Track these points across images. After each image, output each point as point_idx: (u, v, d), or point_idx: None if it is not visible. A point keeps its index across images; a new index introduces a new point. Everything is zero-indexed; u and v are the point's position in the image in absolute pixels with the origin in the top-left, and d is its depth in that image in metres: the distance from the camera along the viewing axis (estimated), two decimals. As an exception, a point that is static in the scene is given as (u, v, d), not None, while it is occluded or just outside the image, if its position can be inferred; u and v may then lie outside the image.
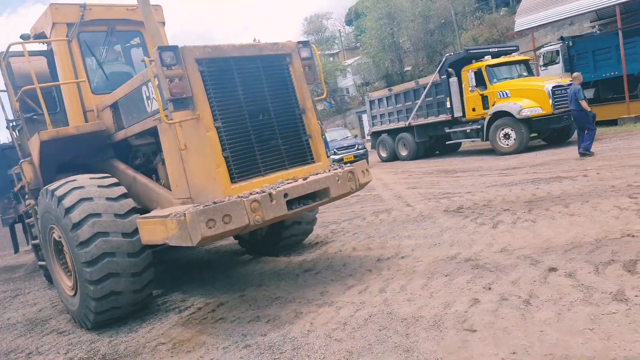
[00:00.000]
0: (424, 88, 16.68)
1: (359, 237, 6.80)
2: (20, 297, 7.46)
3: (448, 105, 15.61)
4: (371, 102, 19.80)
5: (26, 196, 7.10)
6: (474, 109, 15.02)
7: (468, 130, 15.34)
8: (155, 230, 4.33)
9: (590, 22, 21.00)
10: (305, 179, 4.63)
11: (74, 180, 4.96)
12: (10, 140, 8.37)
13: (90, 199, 4.66)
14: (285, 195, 4.30)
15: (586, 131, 10.50)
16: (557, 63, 18.17)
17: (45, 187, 5.20)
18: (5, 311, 6.73)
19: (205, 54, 4.41)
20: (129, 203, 4.83)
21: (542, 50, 19.12)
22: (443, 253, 5.20)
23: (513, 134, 13.68)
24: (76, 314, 5.09)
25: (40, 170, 6.03)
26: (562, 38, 18.60)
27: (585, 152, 10.40)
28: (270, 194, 4.20)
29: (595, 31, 19.86)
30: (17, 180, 7.69)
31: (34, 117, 6.49)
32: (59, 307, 6.18)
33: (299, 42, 5.14)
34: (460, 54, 15.88)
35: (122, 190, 4.93)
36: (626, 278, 3.62)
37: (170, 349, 4.01)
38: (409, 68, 39.20)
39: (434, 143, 18.08)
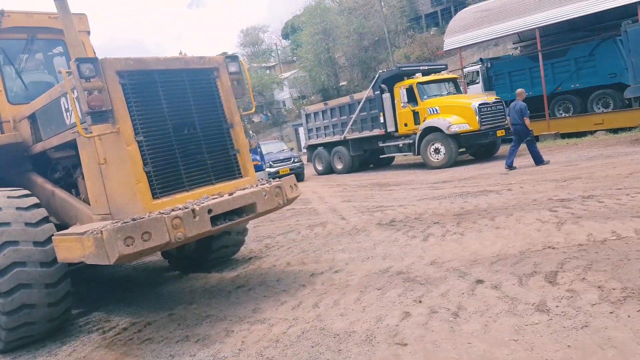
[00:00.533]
0: (359, 103, 17.06)
1: (293, 251, 6.73)
2: None
3: (382, 120, 16.06)
4: (307, 116, 19.95)
5: None
6: (406, 124, 15.56)
7: (400, 145, 15.84)
8: (71, 247, 4.05)
9: (513, 43, 22.67)
10: (231, 194, 4.55)
11: None
12: None
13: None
14: (210, 211, 4.19)
15: (511, 146, 11.31)
16: (477, 83, 19.44)
17: None
18: None
19: (127, 66, 4.26)
20: (41, 212, 4.57)
21: (465, 70, 20.33)
22: (376, 266, 5.26)
23: (443, 149, 14.31)
24: None
25: None
26: (481, 60, 19.88)
27: (511, 167, 11.18)
28: (193, 210, 4.08)
29: (511, 54, 21.48)
30: None
31: None
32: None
33: (226, 57, 5.13)
34: (393, 71, 16.45)
35: (34, 200, 4.66)
36: (547, 289, 3.83)
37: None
38: (344, 83, 40.12)
39: (369, 156, 18.50)
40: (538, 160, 11.24)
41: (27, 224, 4.39)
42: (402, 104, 15.29)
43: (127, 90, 4.25)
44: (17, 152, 5.83)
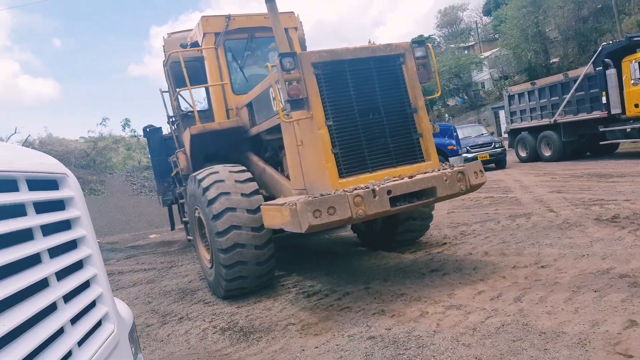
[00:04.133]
0: (574, 81, 15.02)
1: (492, 241, 6.41)
2: (174, 269, 8.53)
3: (604, 101, 13.84)
4: (510, 97, 18.44)
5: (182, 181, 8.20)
6: (636, 105, 13.09)
7: (628, 129, 13.44)
8: (274, 216, 4.75)
9: None
10: (411, 177, 4.65)
11: (213, 168, 5.75)
12: (170, 132, 9.64)
13: (222, 181, 5.40)
14: (389, 192, 4.39)
15: None
16: None
17: (192, 174, 6.03)
18: (162, 279, 7.76)
19: (321, 58, 4.76)
20: (254, 185, 5.48)
21: None
22: (592, 266, 4.65)
23: (688, 135, 11.63)
24: (212, 283, 5.88)
25: (190, 159, 7.12)
26: None
27: None
28: (373, 190, 4.34)
29: None
30: (174, 167, 8.88)
31: (188, 113, 7.40)
32: (205, 280, 6.94)
33: (413, 42, 5.25)
34: (621, 43, 13.95)
35: (248, 175, 5.62)
36: None
37: (299, 330, 4.25)
38: (555, 60, 35.61)
39: (585, 143, 16.20)
40: None
41: (242, 194, 5.29)
42: (632, 81, 12.90)
43: (320, 79, 4.75)
44: (238, 135, 6.90)
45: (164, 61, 8.54)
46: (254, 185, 5.48)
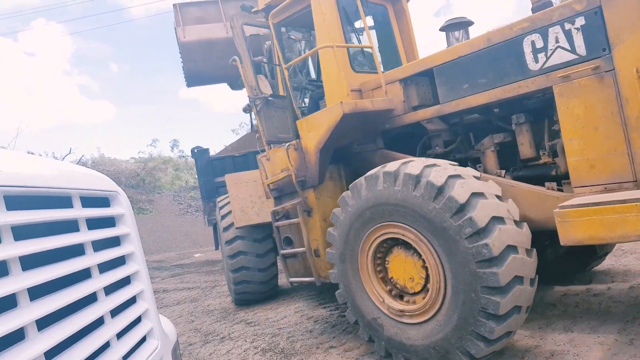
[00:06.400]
0: None
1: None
2: (218, 288, 8.67)
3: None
4: None
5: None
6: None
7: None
8: (611, 222, 2.96)
9: None
10: None
11: (459, 170, 3.56)
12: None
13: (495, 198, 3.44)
14: None
15: None
16: None
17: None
18: (206, 298, 7.90)
19: None
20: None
21: None
22: (655, 295, 4.33)
23: None
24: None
25: (319, 154, 4.71)
26: None
27: None
28: None
29: None
30: (263, 169, 6.86)
31: (269, 99, 5.25)
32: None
33: None
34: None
35: (497, 188, 3.60)
36: None
37: (341, 354, 4.18)
38: None
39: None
40: None
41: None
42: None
43: None
44: (376, 124, 4.88)
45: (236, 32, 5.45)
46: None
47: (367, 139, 5.01)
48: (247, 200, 6.32)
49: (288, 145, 4.94)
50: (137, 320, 1.61)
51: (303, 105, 5.89)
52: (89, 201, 1.45)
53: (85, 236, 1.34)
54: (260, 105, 5.21)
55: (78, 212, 1.35)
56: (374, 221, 3.75)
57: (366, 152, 5.05)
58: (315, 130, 4.74)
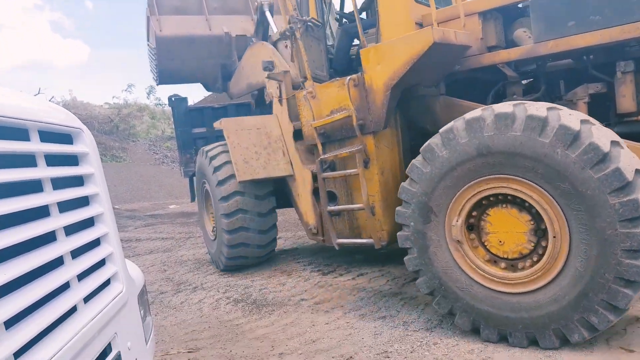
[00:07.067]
0: None
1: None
2: (192, 239, 8.66)
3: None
4: None
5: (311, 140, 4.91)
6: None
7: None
8: None
9: None
10: None
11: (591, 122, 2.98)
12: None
13: None
14: None
15: None
16: None
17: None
18: (179, 249, 7.89)
19: None
20: None
21: None
22: None
23: None
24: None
25: (390, 92, 3.98)
26: None
27: None
28: None
29: None
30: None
31: (309, 24, 4.62)
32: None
33: None
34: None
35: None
36: None
37: (311, 306, 4.25)
38: None
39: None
40: None
41: None
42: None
43: None
44: (445, 64, 4.27)
45: None
46: None
47: (433, 81, 4.35)
48: (251, 150, 5.51)
49: (349, 79, 4.21)
50: (101, 263, 1.55)
51: (330, 42, 5.27)
52: (49, 136, 1.35)
53: (42, 172, 1.25)
54: (301, 31, 4.55)
55: (36, 145, 1.25)
56: (475, 175, 3.10)
57: (428, 97, 4.39)
58: (387, 62, 3.94)
